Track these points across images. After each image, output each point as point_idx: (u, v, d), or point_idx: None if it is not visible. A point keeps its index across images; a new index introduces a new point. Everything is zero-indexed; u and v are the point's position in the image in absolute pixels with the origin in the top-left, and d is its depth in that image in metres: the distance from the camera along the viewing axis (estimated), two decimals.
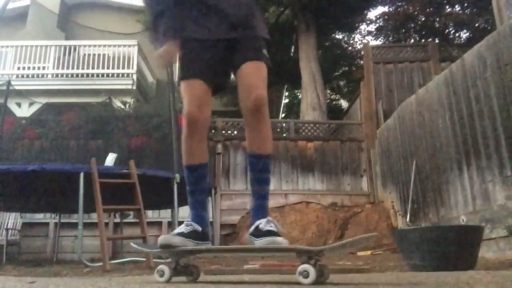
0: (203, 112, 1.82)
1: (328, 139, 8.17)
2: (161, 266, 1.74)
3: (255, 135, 1.82)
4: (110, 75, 10.24)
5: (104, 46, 10.57)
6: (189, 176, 1.86)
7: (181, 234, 1.74)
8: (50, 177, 4.66)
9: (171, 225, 6.65)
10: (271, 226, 1.68)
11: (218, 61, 1.87)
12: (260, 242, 1.65)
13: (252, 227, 1.73)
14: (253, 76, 1.79)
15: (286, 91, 16.22)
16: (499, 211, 3.91)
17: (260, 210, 1.79)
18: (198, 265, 1.93)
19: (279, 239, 1.62)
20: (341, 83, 15.11)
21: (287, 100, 17.37)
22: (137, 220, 4.62)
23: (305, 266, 1.43)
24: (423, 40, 10.95)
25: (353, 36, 14.36)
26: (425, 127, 5.58)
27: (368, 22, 12.71)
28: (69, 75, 10.21)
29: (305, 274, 1.42)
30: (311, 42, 10.03)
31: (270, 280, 1.99)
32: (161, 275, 1.73)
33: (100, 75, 10.21)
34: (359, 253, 5.49)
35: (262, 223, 1.71)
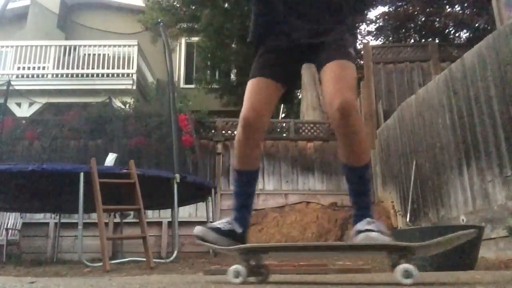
0: (261, 115, 1.69)
1: (328, 139, 8.16)
2: (236, 266, 1.60)
3: (344, 146, 1.63)
4: (110, 75, 10.25)
5: (104, 46, 10.58)
6: (239, 180, 1.77)
7: (217, 231, 1.66)
8: (50, 177, 4.66)
9: (171, 225, 6.65)
10: (371, 226, 1.56)
11: (293, 62, 1.77)
12: (355, 239, 1.54)
13: (352, 233, 1.60)
14: (336, 78, 1.59)
15: None
16: (499, 211, 3.91)
17: (360, 217, 1.63)
18: (268, 265, 1.82)
19: (374, 234, 1.50)
20: None
21: None
22: (137, 220, 4.62)
23: (406, 266, 1.40)
24: (423, 40, 10.93)
25: None
26: (425, 127, 5.58)
27: (368, 22, 12.70)
28: (69, 75, 10.22)
29: (406, 274, 1.38)
30: None
31: (269, 280, 1.99)
32: (236, 276, 1.58)
33: (100, 75, 10.22)
34: None
35: (359, 225, 1.58)
